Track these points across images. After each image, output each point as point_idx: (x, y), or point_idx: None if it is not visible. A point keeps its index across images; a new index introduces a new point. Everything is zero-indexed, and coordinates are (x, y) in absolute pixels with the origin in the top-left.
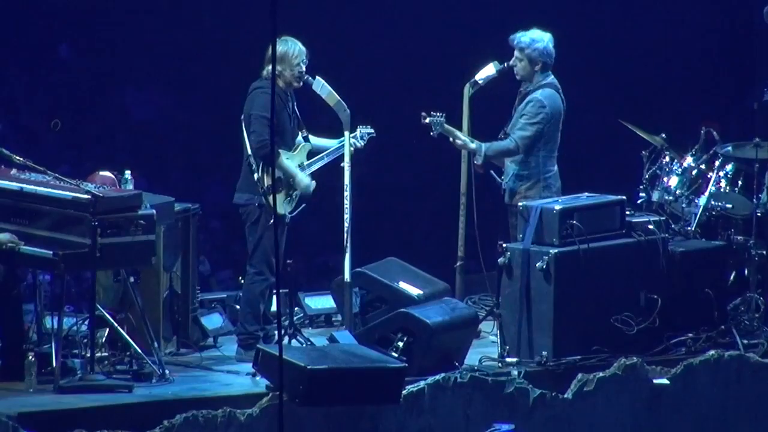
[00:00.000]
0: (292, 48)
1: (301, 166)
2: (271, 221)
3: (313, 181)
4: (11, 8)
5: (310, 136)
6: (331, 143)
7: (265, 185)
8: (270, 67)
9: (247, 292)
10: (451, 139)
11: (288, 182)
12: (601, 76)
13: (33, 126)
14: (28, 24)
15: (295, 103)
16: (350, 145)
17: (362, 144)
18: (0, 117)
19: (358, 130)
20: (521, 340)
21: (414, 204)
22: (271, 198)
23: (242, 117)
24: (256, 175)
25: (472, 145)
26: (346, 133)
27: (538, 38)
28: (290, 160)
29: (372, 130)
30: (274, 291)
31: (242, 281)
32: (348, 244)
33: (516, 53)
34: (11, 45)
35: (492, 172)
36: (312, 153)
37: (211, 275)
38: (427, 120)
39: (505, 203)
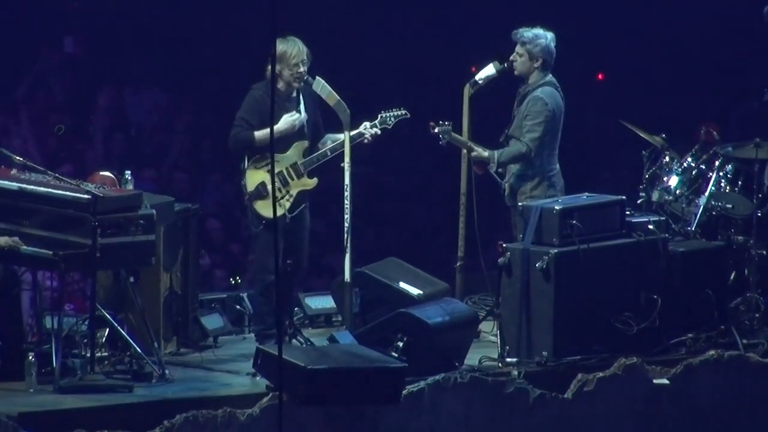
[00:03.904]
0: (291, 48)
1: (295, 165)
2: (262, 225)
3: (296, 115)
4: (12, 7)
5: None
6: (337, 137)
7: (248, 191)
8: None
9: (251, 292)
10: (463, 149)
11: (282, 179)
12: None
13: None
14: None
15: (303, 105)
16: (361, 137)
17: (378, 130)
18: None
19: (379, 116)
20: (521, 340)
21: (414, 204)
22: (256, 204)
23: None
24: (242, 181)
25: (485, 154)
26: (346, 133)
27: (541, 35)
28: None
29: (404, 112)
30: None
31: (233, 282)
32: (348, 244)
33: (517, 48)
34: (11, 44)
35: (492, 171)
36: (310, 151)
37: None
38: (436, 130)
39: (509, 203)
